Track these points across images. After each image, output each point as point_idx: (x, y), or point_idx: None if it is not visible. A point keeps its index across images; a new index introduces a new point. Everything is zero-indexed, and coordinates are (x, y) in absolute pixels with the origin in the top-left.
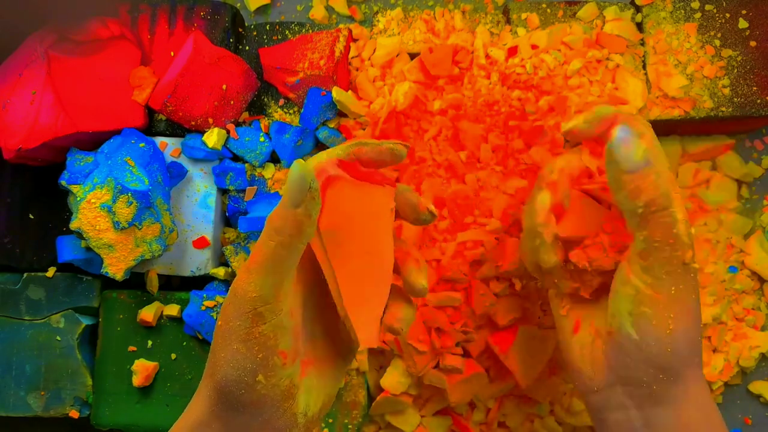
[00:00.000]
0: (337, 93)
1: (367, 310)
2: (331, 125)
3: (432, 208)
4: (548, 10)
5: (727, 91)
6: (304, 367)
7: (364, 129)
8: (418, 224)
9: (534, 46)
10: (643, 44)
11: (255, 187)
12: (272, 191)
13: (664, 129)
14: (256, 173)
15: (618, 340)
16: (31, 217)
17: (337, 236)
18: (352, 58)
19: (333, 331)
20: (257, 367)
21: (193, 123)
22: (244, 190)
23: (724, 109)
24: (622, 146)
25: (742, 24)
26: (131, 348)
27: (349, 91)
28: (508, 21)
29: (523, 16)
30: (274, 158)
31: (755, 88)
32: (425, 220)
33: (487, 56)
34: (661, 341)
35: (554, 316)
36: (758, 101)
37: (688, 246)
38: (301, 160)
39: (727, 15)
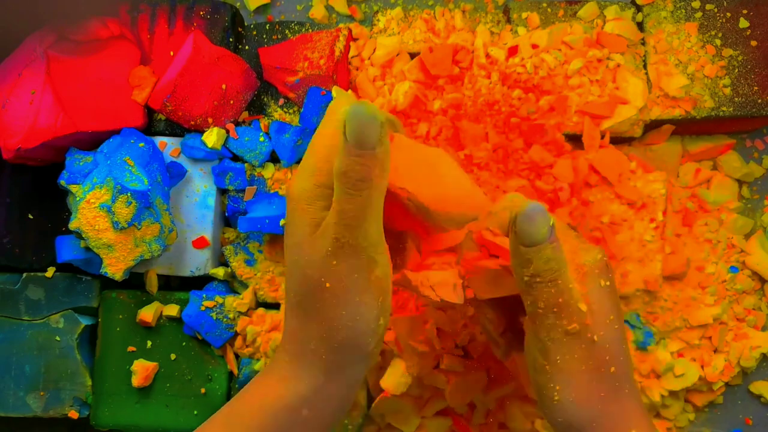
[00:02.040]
0: (337, 92)
1: None
2: None
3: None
4: (549, 10)
5: (727, 90)
6: None
7: None
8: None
9: (534, 46)
10: (643, 44)
11: (254, 187)
12: (272, 191)
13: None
14: (256, 173)
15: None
16: (31, 217)
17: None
18: (352, 57)
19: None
20: (379, 312)
21: (192, 123)
22: (243, 190)
23: (724, 108)
24: (527, 222)
25: (743, 23)
26: (131, 348)
27: (349, 91)
28: (509, 20)
29: (524, 15)
30: (273, 158)
31: (756, 88)
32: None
33: (488, 56)
34: (552, 409)
35: None
36: (759, 101)
37: (574, 316)
38: (360, 101)
39: (728, 14)
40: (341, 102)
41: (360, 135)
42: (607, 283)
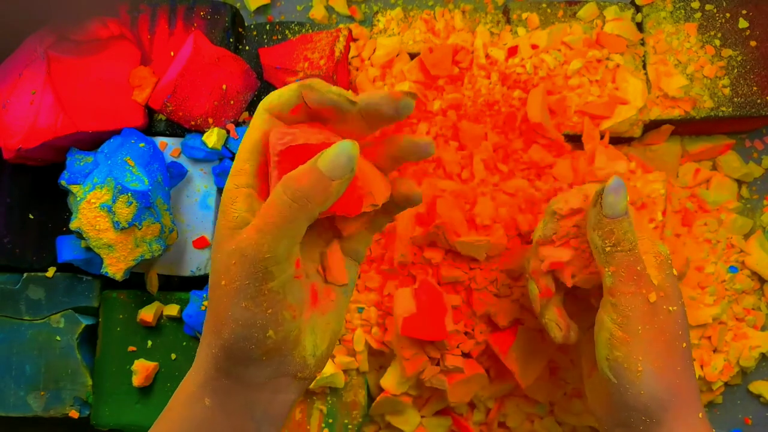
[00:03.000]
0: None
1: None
2: None
3: (407, 87)
4: (548, 10)
5: (727, 90)
6: (307, 300)
7: None
8: (398, 119)
9: (534, 46)
10: (643, 44)
11: None
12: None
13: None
14: None
15: (605, 385)
16: (31, 217)
17: None
18: (352, 58)
19: (327, 264)
20: (267, 323)
21: (192, 123)
22: None
23: (724, 108)
24: (612, 194)
25: (742, 24)
26: (131, 348)
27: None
28: (508, 21)
29: (524, 15)
30: None
31: (755, 88)
32: (406, 105)
33: (487, 56)
34: (634, 384)
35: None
36: (758, 101)
37: (652, 287)
38: (348, 142)
39: (728, 15)
40: (271, 98)
41: (331, 163)
42: (676, 272)
